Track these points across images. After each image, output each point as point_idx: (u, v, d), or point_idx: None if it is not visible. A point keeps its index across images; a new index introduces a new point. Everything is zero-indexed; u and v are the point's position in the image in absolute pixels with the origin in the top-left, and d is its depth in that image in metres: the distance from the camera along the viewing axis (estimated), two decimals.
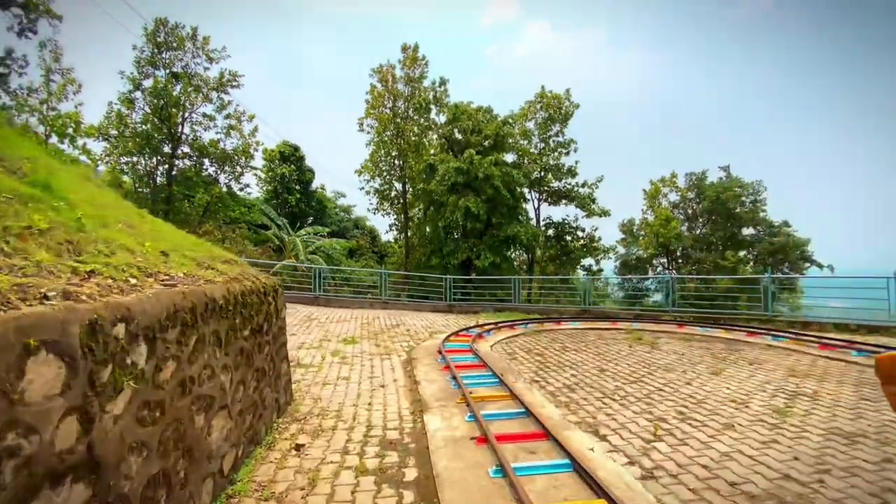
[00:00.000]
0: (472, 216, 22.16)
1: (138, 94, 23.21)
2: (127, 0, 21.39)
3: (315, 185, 37.54)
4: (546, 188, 28.49)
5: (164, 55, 23.61)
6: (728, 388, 6.19)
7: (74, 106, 21.51)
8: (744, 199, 30.95)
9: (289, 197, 33.45)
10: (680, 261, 33.53)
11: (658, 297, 30.45)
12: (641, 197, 32.82)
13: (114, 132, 23.03)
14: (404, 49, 27.11)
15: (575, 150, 28.17)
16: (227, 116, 25.75)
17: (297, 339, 8.98)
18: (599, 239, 28.30)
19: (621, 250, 32.42)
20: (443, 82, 26.08)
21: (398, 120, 26.49)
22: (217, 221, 23.97)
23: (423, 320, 12.81)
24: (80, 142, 23.09)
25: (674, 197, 32.75)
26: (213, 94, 25.13)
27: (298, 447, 4.05)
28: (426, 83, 26.87)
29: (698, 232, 32.65)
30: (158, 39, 23.22)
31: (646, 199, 32.45)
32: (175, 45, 23.69)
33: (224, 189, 25.93)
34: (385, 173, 27.64)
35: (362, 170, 28.11)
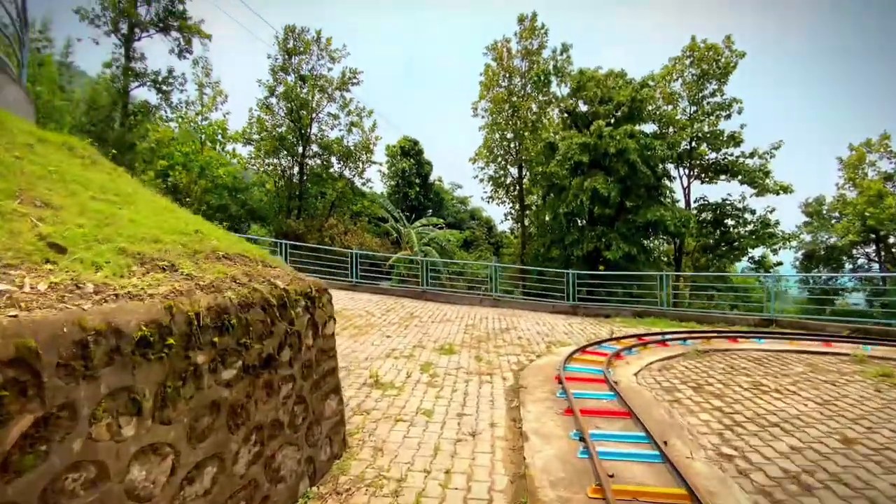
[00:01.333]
0: (600, 199, 18.91)
1: (273, 99, 25.12)
2: (261, 14, 23.06)
3: (433, 177, 37.69)
4: (698, 162, 23.36)
5: (293, 60, 25.10)
6: None
7: (222, 115, 24.18)
8: None
9: (409, 190, 33.96)
10: (895, 250, 24.91)
11: (858, 298, 22.91)
12: (836, 167, 25.06)
13: (256, 137, 25.25)
14: (521, 20, 24.65)
15: (739, 112, 22.52)
16: (349, 113, 26.57)
17: (389, 344, 7.69)
18: (777, 223, 22.11)
19: (806, 237, 25.29)
20: (565, 49, 22.95)
21: (514, 98, 24.22)
22: (341, 215, 24.85)
23: (540, 324, 10.62)
24: (229, 147, 26.02)
25: (887, 166, 24.28)
26: (337, 94, 26.15)
27: None
28: (546, 53, 24.06)
29: None
30: (288, 46, 24.71)
31: (843, 171, 24.66)
32: (302, 49, 25.02)
33: (348, 184, 26.89)
34: (500, 158, 25.67)
35: (476, 157, 26.59)
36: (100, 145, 21.02)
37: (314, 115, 25.66)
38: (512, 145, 25.31)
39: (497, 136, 25.39)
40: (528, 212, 26.07)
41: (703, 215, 23.69)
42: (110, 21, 20.63)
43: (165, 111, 22.70)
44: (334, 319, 3.77)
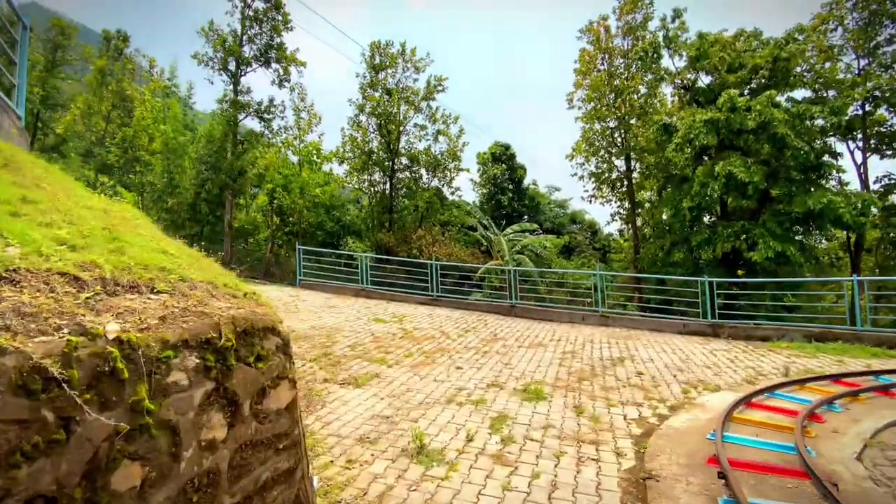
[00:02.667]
0: (737, 187, 15.09)
1: (363, 116, 25.50)
2: (348, 32, 23.59)
3: (527, 181, 35.82)
4: (876, 129, 17.82)
5: (380, 76, 25.27)
6: None
7: (317, 136, 25.13)
8: None
9: (501, 197, 32.63)
10: None
11: None
12: None
13: (350, 155, 25.82)
14: None
15: None
16: (434, 122, 26.02)
17: (457, 379, 5.95)
18: None
19: None
20: (677, 14, 19.32)
21: (616, 81, 21.13)
22: (430, 226, 24.02)
23: (668, 351, 7.95)
24: (326, 167, 26.97)
25: None
26: (423, 104, 25.76)
27: None
28: (652, 25, 20.65)
29: None
30: (375, 62, 24.97)
31: None
32: (388, 63, 25.12)
33: (436, 194, 26.22)
34: (602, 151, 22.58)
35: (573, 152, 23.84)
36: (215, 173, 23.10)
37: (402, 127, 25.50)
38: (616, 134, 22.12)
39: (598, 126, 22.42)
40: (640, 210, 22.47)
41: (891, 198, 17.87)
42: (220, 61, 22.56)
43: (268, 137, 24.16)
44: (292, 381, 2.16)
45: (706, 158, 16.77)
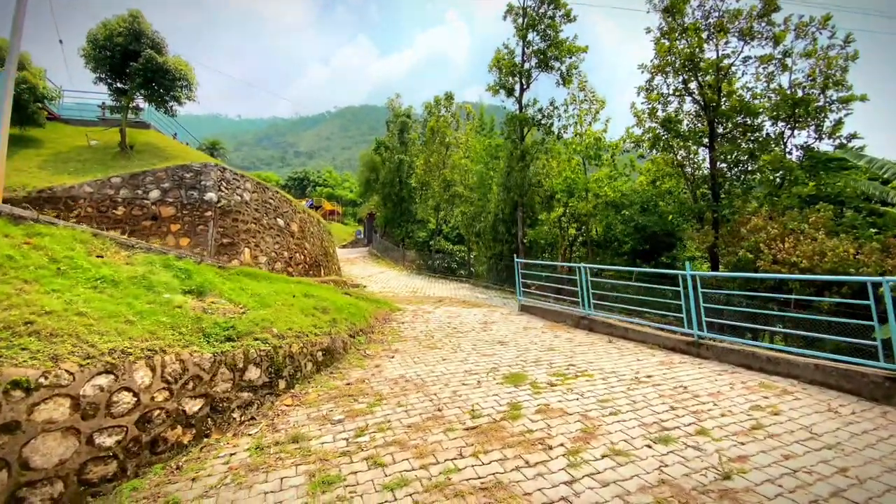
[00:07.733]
0: None
1: (660, 79, 19.47)
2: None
3: None
4: None
5: (683, 19, 18.83)
6: None
7: (604, 123, 20.80)
8: None
9: None
10: None
11: None
12: None
13: (647, 136, 20.29)
14: None
15: None
16: (778, 41, 16.75)
17: None
18: None
19: None
20: None
21: None
22: (778, 207, 14.74)
23: None
24: (621, 157, 22.09)
25: None
26: (758, 25, 17.27)
27: None
28: None
29: None
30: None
31: None
32: None
33: (796, 153, 16.39)
34: None
35: None
36: (507, 193, 23.18)
37: (721, 73, 17.84)
38: None
39: None
40: None
41: None
42: (505, 84, 22.68)
43: (548, 142, 22.21)
44: None
45: None
